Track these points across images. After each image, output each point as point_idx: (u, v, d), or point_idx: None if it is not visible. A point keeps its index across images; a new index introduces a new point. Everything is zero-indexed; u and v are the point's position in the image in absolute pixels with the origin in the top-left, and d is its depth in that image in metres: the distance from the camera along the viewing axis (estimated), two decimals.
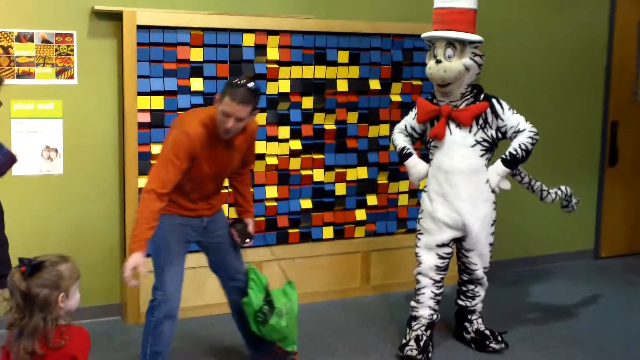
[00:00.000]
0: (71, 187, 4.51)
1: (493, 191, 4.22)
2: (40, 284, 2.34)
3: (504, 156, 4.17)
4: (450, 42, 4.06)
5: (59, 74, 4.39)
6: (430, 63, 4.14)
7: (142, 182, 4.53)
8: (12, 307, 2.36)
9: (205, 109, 3.57)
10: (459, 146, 4.15)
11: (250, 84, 3.35)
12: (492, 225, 4.28)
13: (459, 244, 4.28)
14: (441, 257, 4.23)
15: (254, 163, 4.06)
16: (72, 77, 4.43)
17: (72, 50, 4.40)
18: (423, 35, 4.20)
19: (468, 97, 4.16)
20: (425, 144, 4.36)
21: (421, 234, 4.29)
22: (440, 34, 4.07)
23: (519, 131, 4.15)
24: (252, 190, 3.85)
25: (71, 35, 4.40)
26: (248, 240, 3.73)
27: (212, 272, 3.82)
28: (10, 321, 2.36)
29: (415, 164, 4.32)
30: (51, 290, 2.35)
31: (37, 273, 2.35)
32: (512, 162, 4.16)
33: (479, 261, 4.28)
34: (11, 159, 2.84)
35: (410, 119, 4.39)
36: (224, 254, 3.68)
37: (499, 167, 4.18)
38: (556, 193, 4.44)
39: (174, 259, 3.48)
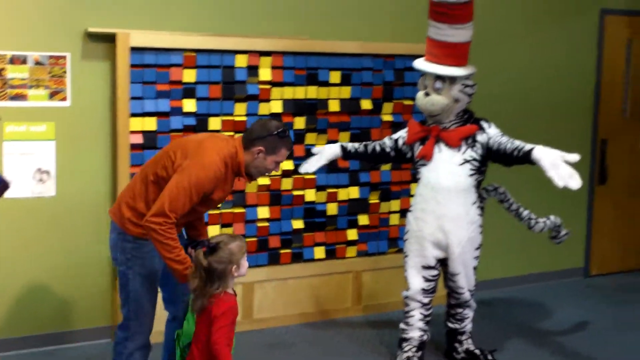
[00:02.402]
0: (63, 209, 4.52)
1: (481, 197, 4.23)
2: (217, 261, 3.03)
3: (533, 145, 4.01)
4: (440, 76, 4.09)
5: (52, 95, 4.41)
6: (419, 95, 4.19)
7: None
8: (196, 277, 3.05)
9: (222, 140, 3.42)
10: (447, 163, 4.18)
11: (288, 130, 3.46)
12: (477, 249, 4.29)
13: (444, 268, 4.31)
14: (427, 280, 4.26)
15: None
16: (65, 99, 4.45)
17: (65, 72, 4.42)
18: (415, 64, 4.23)
19: (457, 121, 4.20)
20: (413, 164, 4.39)
21: (407, 255, 4.32)
22: (429, 69, 4.10)
23: (501, 138, 4.14)
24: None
25: (64, 57, 4.42)
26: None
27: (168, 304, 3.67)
28: (194, 287, 3.06)
29: (328, 147, 4.45)
30: (226, 264, 3.05)
31: (214, 252, 3.04)
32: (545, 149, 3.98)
33: (465, 284, 4.30)
34: (4, 186, 2.84)
35: (402, 133, 4.44)
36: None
37: (543, 152, 3.99)
38: (545, 222, 4.44)
39: (154, 289, 3.44)
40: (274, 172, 3.88)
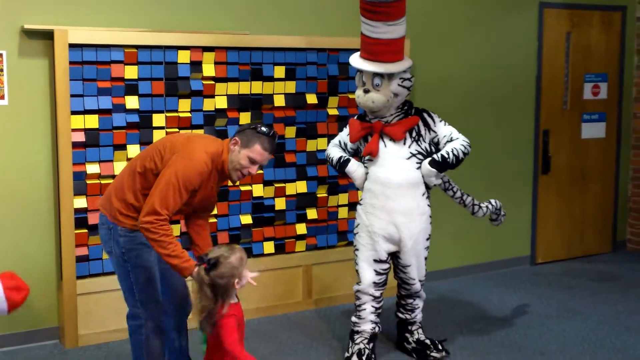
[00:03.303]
0: (3, 208, 4.41)
1: (427, 187, 4.26)
2: (219, 276, 3.07)
3: (435, 157, 4.17)
4: (378, 73, 4.10)
5: None
6: (358, 92, 4.19)
7: (78, 202, 4.46)
8: (201, 297, 3.08)
9: (210, 140, 3.49)
10: (395, 158, 4.19)
11: (275, 133, 3.44)
12: (427, 239, 4.33)
13: (396, 260, 4.32)
14: (379, 273, 4.26)
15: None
16: (2, 97, 4.34)
17: (1, 70, 4.31)
18: (352, 62, 4.22)
19: (398, 113, 4.22)
20: (360, 160, 4.39)
21: (357, 249, 4.32)
22: (367, 68, 4.11)
23: (451, 140, 4.22)
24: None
25: (1, 54, 4.31)
26: None
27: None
28: (203, 305, 3.08)
29: (355, 169, 4.31)
30: (228, 279, 3.07)
31: (215, 268, 3.06)
32: (441, 164, 4.15)
33: (417, 276, 4.32)
34: None
35: (344, 136, 4.43)
36: (172, 277, 3.58)
37: (426, 168, 4.17)
38: (487, 207, 4.50)
39: (151, 274, 3.44)
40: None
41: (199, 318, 3.13)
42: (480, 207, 4.48)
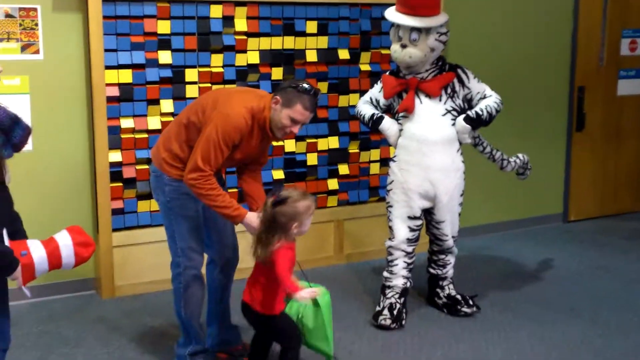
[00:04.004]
0: (41, 162, 4.48)
1: (460, 143, 4.24)
2: (281, 213, 3.15)
3: (469, 114, 4.15)
4: (415, 27, 4.05)
5: (24, 49, 4.33)
6: (395, 47, 4.14)
7: (113, 156, 4.52)
8: (262, 227, 3.20)
9: (252, 94, 3.47)
10: (431, 115, 4.17)
11: (317, 91, 3.41)
12: (461, 195, 4.32)
13: (429, 216, 4.32)
14: (412, 230, 4.27)
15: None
16: (37, 52, 4.38)
17: (36, 24, 4.34)
18: (387, 16, 4.17)
19: (433, 69, 4.18)
20: (394, 116, 4.35)
21: (391, 206, 4.31)
22: (404, 22, 4.06)
23: (484, 97, 4.20)
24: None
25: (35, 9, 4.33)
26: None
27: (206, 248, 3.69)
28: (260, 236, 3.21)
29: (389, 126, 4.26)
30: (288, 220, 3.15)
31: (281, 204, 3.15)
32: (475, 121, 4.14)
33: (450, 232, 4.33)
34: (29, 132, 2.84)
35: (375, 92, 4.37)
36: (219, 227, 3.63)
37: (461, 124, 4.16)
38: (515, 161, 4.47)
39: (193, 224, 3.50)
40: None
41: (254, 245, 3.25)
42: (509, 161, 4.46)
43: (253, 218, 3.35)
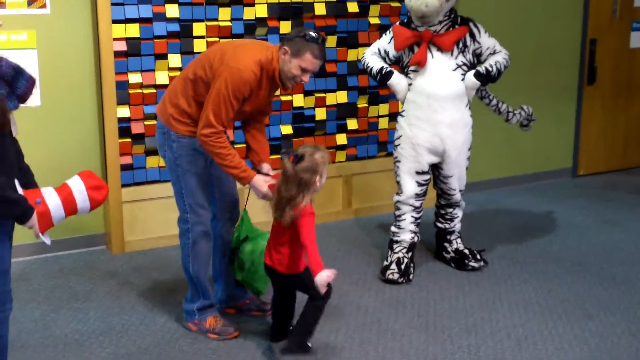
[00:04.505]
0: (50, 118, 4.48)
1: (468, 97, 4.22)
2: (304, 169, 3.16)
3: (479, 70, 4.14)
4: None
5: (30, 3, 4.29)
6: None
7: (121, 111, 4.51)
8: (286, 188, 3.18)
9: (259, 46, 3.44)
10: (442, 70, 4.12)
11: (324, 39, 3.40)
12: (469, 149, 4.32)
13: (437, 171, 4.32)
14: (420, 185, 4.27)
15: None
16: (44, 6, 4.34)
17: None
18: None
19: (446, 22, 4.12)
20: (402, 69, 4.30)
21: (399, 161, 4.30)
22: None
23: (494, 53, 4.16)
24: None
25: None
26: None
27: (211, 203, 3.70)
28: (286, 197, 3.18)
29: (399, 81, 4.21)
30: (311, 174, 3.17)
31: (301, 161, 3.17)
32: (485, 77, 4.12)
33: (457, 186, 4.33)
34: (33, 82, 2.84)
35: (384, 43, 4.28)
36: (223, 183, 3.65)
37: (470, 80, 4.15)
38: (520, 113, 4.46)
39: (200, 180, 3.51)
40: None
41: (277, 210, 3.24)
42: (514, 113, 4.44)
43: (261, 182, 3.37)
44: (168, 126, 3.46)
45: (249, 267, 3.64)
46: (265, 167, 3.61)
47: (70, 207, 2.83)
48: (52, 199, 2.78)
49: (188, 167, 3.47)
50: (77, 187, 2.85)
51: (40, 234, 2.79)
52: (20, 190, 2.72)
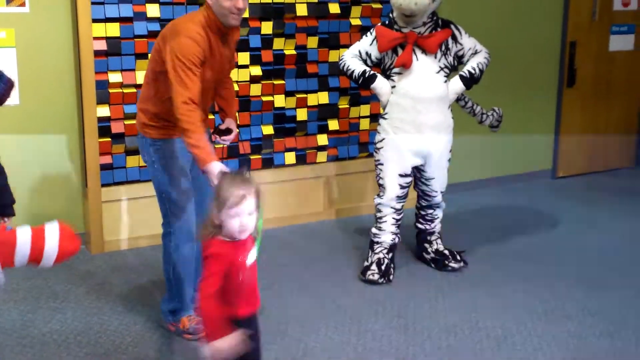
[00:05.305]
0: (28, 117, 4.45)
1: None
2: (223, 186, 2.52)
3: (463, 74, 4.17)
4: None
5: (9, 1, 4.26)
6: None
7: (101, 110, 4.49)
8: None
9: (190, 13, 3.44)
10: (426, 72, 4.13)
11: None
12: (450, 151, 4.34)
13: (419, 173, 4.33)
14: (402, 187, 4.28)
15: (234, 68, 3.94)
16: (23, 4, 4.31)
17: None
18: None
19: (430, 23, 4.13)
20: (384, 71, 4.28)
21: (382, 164, 4.29)
22: None
23: (475, 52, 4.18)
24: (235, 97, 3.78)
25: None
26: (226, 136, 3.64)
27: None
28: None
29: (383, 85, 4.19)
30: (222, 199, 2.48)
31: (233, 177, 2.56)
32: (470, 81, 4.16)
33: (439, 188, 4.34)
34: (11, 86, 2.77)
35: (366, 45, 4.26)
36: (203, 197, 3.52)
37: (457, 85, 4.18)
38: (492, 115, 4.49)
39: (182, 183, 3.48)
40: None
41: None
42: (487, 115, 4.47)
43: (216, 168, 3.13)
44: (143, 134, 3.47)
45: None
46: (228, 121, 3.65)
47: (38, 243, 2.49)
48: (23, 233, 2.49)
49: (167, 171, 3.44)
50: (51, 230, 2.53)
51: None
52: None
